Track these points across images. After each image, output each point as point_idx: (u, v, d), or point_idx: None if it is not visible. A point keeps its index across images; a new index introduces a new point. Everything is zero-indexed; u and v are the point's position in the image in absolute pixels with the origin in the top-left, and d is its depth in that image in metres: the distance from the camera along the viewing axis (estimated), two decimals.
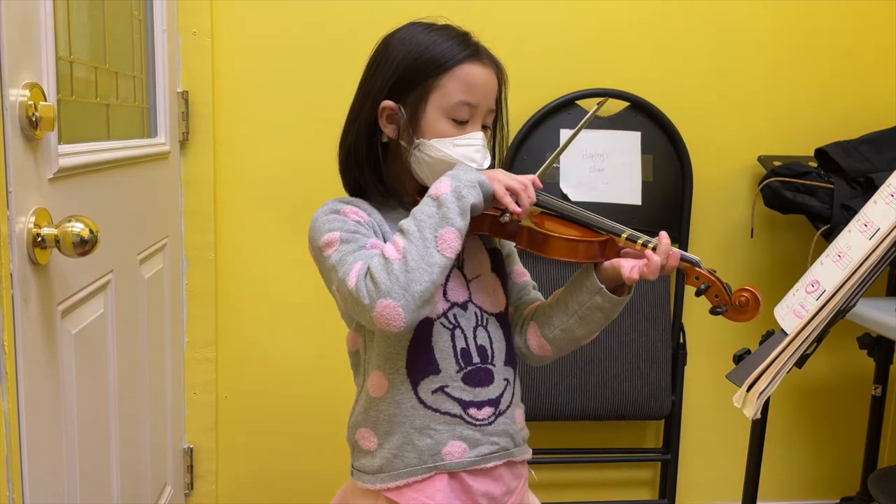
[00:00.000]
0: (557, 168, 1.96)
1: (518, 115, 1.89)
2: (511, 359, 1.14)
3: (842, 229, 1.13)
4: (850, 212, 1.80)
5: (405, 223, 0.98)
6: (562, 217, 1.11)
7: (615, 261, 1.05)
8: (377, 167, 1.10)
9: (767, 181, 1.93)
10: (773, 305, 1.16)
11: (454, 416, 1.08)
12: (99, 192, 1.29)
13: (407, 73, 1.07)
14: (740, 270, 2.14)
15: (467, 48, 1.07)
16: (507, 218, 1.03)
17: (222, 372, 2.00)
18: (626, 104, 1.99)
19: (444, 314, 1.08)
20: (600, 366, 2.00)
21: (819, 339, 1.10)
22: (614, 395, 2.01)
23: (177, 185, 1.88)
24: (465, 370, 1.08)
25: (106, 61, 1.47)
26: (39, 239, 0.99)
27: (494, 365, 1.11)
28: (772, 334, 1.15)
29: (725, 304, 1.05)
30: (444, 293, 1.09)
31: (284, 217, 1.96)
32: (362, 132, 1.10)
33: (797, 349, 1.07)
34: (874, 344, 2.00)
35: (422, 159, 1.07)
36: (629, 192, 1.99)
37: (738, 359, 1.18)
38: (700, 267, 1.06)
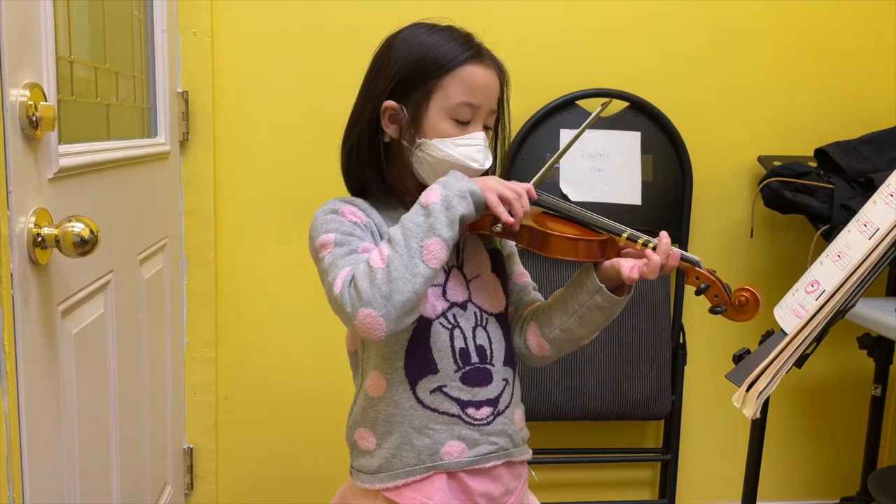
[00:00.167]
0: (557, 168, 1.96)
1: (518, 115, 1.89)
2: (510, 359, 1.14)
3: (841, 229, 1.13)
4: (850, 212, 1.80)
5: (393, 231, 0.98)
6: (562, 216, 1.12)
7: (615, 260, 1.06)
8: (379, 167, 1.10)
9: (767, 181, 1.93)
10: (773, 305, 1.16)
11: (452, 415, 1.08)
12: (99, 192, 1.29)
13: (409, 73, 1.07)
14: (740, 270, 2.14)
15: (469, 49, 1.08)
16: (499, 228, 1.02)
17: (222, 372, 2.00)
18: (626, 104, 1.99)
19: (444, 314, 1.08)
20: (600, 366, 2.00)
21: (819, 339, 1.10)
22: (614, 395, 2.01)
23: (177, 185, 1.88)
24: (463, 370, 1.08)
25: (106, 61, 1.47)
26: (39, 239, 0.99)
27: (493, 365, 1.11)
28: (771, 334, 1.15)
29: (725, 303, 1.05)
30: (444, 293, 1.09)
31: (284, 217, 1.96)
32: (364, 132, 1.10)
33: (797, 349, 1.08)
34: (874, 344, 2.00)
35: (423, 159, 1.08)
36: (629, 192, 1.99)
37: (737, 359, 1.18)
38: (700, 267, 1.06)
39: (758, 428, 1.46)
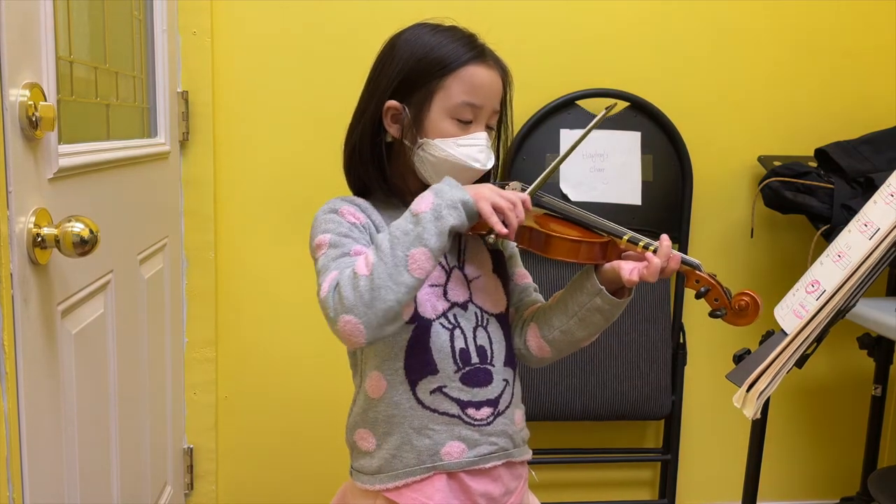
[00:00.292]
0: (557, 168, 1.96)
1: (518, 115, 1.88)
2: (511, 360, 1.14)
3: (842, 229, 1.13)
4: (850, 212, 1.80)
5: (380, 238, 0.98)
6: (564, 218, 1.12)
7: (615, 263, 1.06)
8: (381, 166, 1.11)
9: (767, 181, 1.93)
10: (773, 305, 1.16)
11: (452, 416, 1.08)
12: (99, 192, 1.29)
13: (412, 73, 1.07)
14: (740, 270, 2.14)
15: (472, 50, 1.08)
16: (491, 239, 1.01)
17: (222, 372, 2.00)
18: (626, 104, 1.99)
19: (444, 314, 1.08)
20: (600, 366, 2.00)
21: (819, 339, 1.10)
22: (614, 395, 2.01)
23: (177, 185, 1.88)
24: (463, 370, 1.08)
25: (106, 61, 1.47)
26: (39, 239, 0.99)
27: (494, 365, 1.11)
28: (772, 334, 1.15)
29: (725, 307, 1.05)
30: (445, 293, 1.09)
31: (284, 217, 1.96)
32: (367, 131, 1.10)
33: (797, 349, 1.07)
34: (874, 344, 2.00)
35: (425, 159, 1.08)
36: (629, 192, 1.99)
37: (737, 359, 1.18)
38: (701, 270, 1.06)
39: (758, 428, 1.46)
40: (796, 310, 1.10)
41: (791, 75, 2.08)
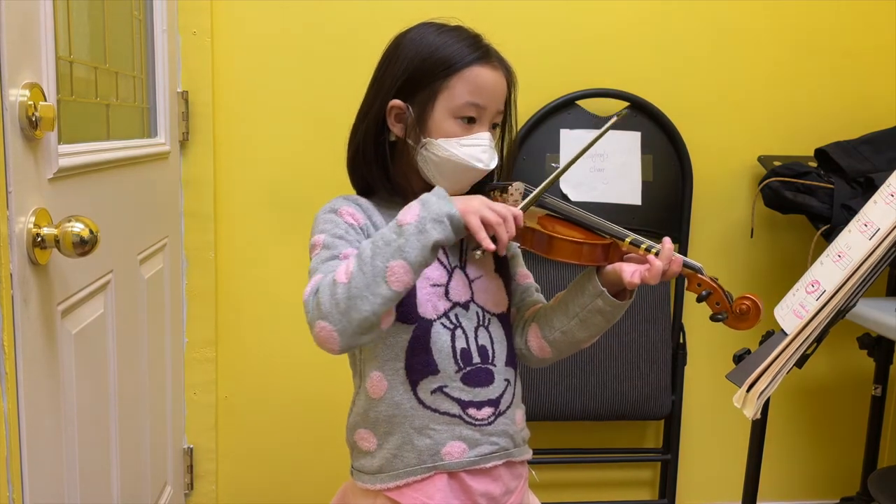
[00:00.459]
0: (558, 168, 1.96)
1: (518, 115, 1.89)
2: (512, 360, 1.14)
3: (842, 229, 1.13)
4: (850, 212, 1.80)
5: (364, 245, 0.97)
6: (566, 219, 1.11)
7: (617, 265, 1.05)
8: (384, 165, 1.11)
9: (767, 181, 1.93)
10: (773, 306, 1.16)
11: (453, 416, 1.08)
12: (99, 192, 1.29)
13: (416, 73, 1.07)
14: (740, 270, 2.14)
15: (477, 50, 1.08)
16: (478, 255, 0.98)
17: (222, 372, 2.00)
18: (626, 104, 1.99)
19: (446, 314, 1.08)
20: (600, 366, 2.00)
21: (819, 340, 1.10)
22: (614, 395, 2.01)
23: (177, 185, 1.88)
24: (464, 370, 1.08)
25: (106, 61, 1.47)
26: (39, 239, 0.99)
27: (495, 365, 1.11)
28: (772, 334, 1.15)
29: (726, 311, 1.05)
30: (447, 293, 1.09)
31: (284, 217, 1.96)
32: (371, 130, 1.10)
33: (797, 349, 1.07)
34: (874, 344, 2.00)
35: (429, 158, 1.08)
36: (629, 192, 1.99)
37: (738, 359, 1.18)
38: (702, 274, 1.06)
39: (758, 428, 1.46)
40: (796, 310, 1.10)
41: (791, 75, 2.08)
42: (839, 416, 2.24)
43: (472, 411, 1.08)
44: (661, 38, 2.02)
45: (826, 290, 1.07)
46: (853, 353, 2.09)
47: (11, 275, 0.95)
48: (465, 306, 1.10)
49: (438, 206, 0.96)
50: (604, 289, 1.06)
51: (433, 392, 1.07)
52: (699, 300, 1.05)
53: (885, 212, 1.05)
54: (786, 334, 1.09)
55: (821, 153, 1.97)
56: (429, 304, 1.07)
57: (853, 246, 1.07)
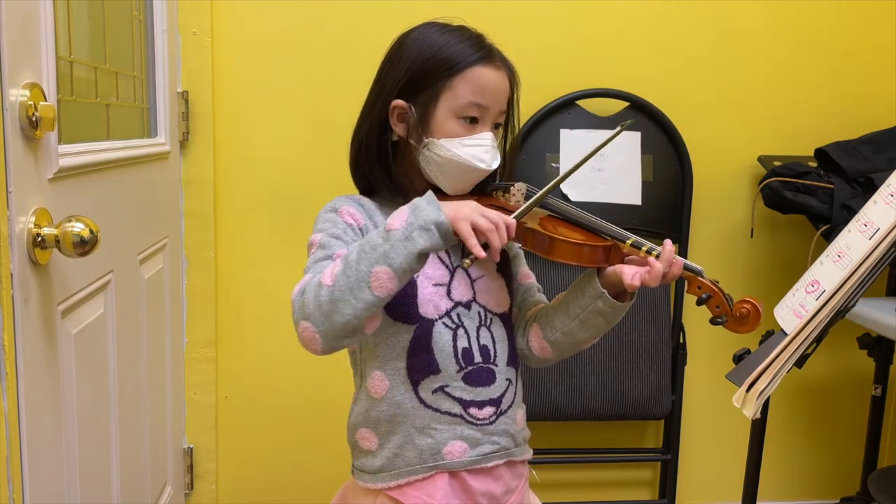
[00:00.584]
0: (557, 168, 1.96)
1: None
2: (513, 359, 1.14)
3: (842, 229, 1.13)
4: (850, 212, 1.80)
5: (352, 248, 0.97)
6: (568, 220, 1.11)
7: (618, 267, 1.05)
8: (387, 165, 1.11)
9: (767, 181, 1.93)
10: (773, 305, 1.16)
11: (454, 415, 1.08)
12: (99, 192, 1.29)
13: (419, 73, 1.07)
14: (740, 270, 2.14)
15: (480, 50, 1.08)
16: (467, 263, 0.95)
17: (222, 372, 2.00)
18: (626, 104, 1.99)
19: (448, 313, 1.08)
20: (600, 366, 2.00)
21: (819, 339, 1.10)
22: (614, 395, 2.01)
23: (177, 185, 1.88)
24: (465, 370, 1.08)
25: (106, 61, 1.47)
26: (39, 239, 0.99)
27: (497, 365, 1.11)
28: (772, 334, 1.15)
29: (726, 314, 1.05)
30: (449, 292, 1.09)
31: (284, 217, 1.96)
32: (373, 130, 1.11)
33: (797, 349, 1.07)
34: (874, 344, 2.00)
35: (431, 158, 1.08)
36: (629, 192, 1.99)
37: (737, 359, 1.18)
38: (703, 276, 1.06)
39: (758, 428, 1.46)
40: (796, 310, 1.10)
41: (791, 75, 2.08)
42: (839, 416, 2.24)
43: (473, 411, 1.08)
44: (661, 38, 2.02)
45: (826, 289, 1.07)
46: (853, 353, 2.08)
47: (12, 275, 0.95)
48: (468, 306, 1.10)
49: (427, 212, 0.94)
50: (604, 290, 1.06)
51: (434, 392, 1.07)
52: (699, 303, 1.05)
53: (885, 212, 1.05)
54: (786, 334, 1.09)
55: (821, 153, 1.97)
56: (430, 303, 1.07)
57: (853, 246, 1.07)
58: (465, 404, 1.08)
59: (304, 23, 1.91)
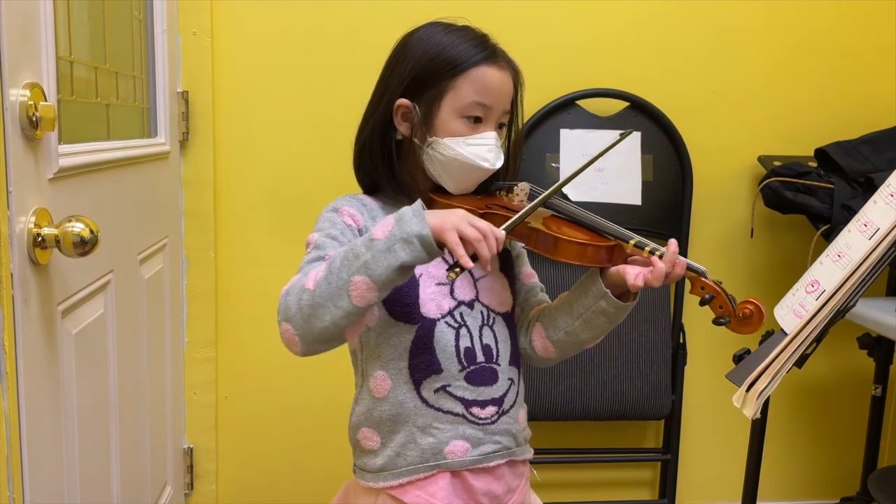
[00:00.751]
0: (557, 168, 1.96)
1: None
2: (516, 359, 1.14)
3: (842, 229, 1.13)
4: (850, 212, 1.80)
5: (336, 253, 0.97)
6: (571, 220, 1.12)
7: (621, 267, 1.05)
8: (390, 164, 1.11)
9: (767, 181, 1.93)
10: (773, 305, 1.16)
11: (457, 415, 1.08)
12: (99, 192, 1.29)
13: (423, 72, 1.07)
14: (740, 270, 2.14)
15: (484, 50, 1.08)
16: (453, 275, 0.92)
17: (222, 372, 2.00)
18: (626, 104, 1.99)
19: (450, 312, 1.08)
20: (600, 366, 2.00)
21: (819, 339, 1.10)
22: (614, 395, 2.01)
23: (177, 185, 1.88)
24: (468, 369, 1.08)
25: (106, 61, 1.47)
26: (39, 239, 0.99)
27: (499, 364, 1.11)
28: (772, 334, 1.15)
29: (729, 315, 1.05)
30: (452, 291, 1.09)
31: (284, 217, 1.96)
32: (377, 129, 1.11)
33: (797, 349, 1.07)
34: (874, 344, 2.00)
35: (434, 157, 1.08)
36: (629, 192, 1.99)
37: (737, 359, 1.18)
38: (706, 277, 1.06)
39: (758, 428, 1.46)
40: (796, 310, 1.10)
41: (791, 75, 2.08)
42: (839, 416, 2.24)
43: (475, 410, 1.09)
44: (661, 38, 2.02)
45: (826, 289, 1.07)
46: (853, 353, 2.08)
47: (12, 275, 0.95)
48: (470, 305, 1.10)
49: (410, 224, 0.92)
50: (607, 290, 1.06)
51: (436, 391, 1.07)
52: (702, 303, 1.05)
53: (885, 212, 1.05)
54: (786, 334, 1.09)
55: (821, 153, 1.97)
56: (433, 302, 1.07)
57: (853, 246, 1.07)
58: (468, 404, 1.08)
59: (304, 23, 1.91)
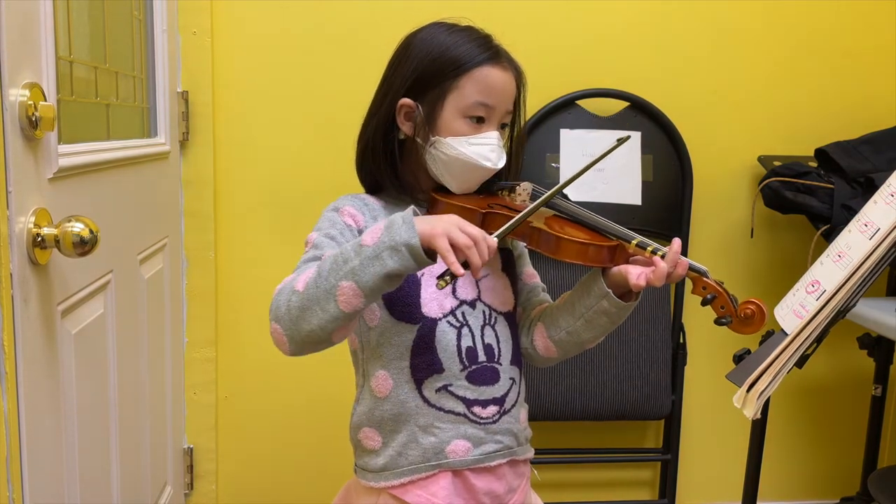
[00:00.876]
0: (557, 168, 1.96)
1: None
2: (517, 359, 1.15)
3: (842, 229, 1.13)
4: (850, 212, 1.80)
5: (327, 256, 0.97)
6: (573, 220, 1.12)
7: (623, 267, 1.05)
8: (393, 163, 1.11)
9: (767, 181, 1.93)
10: (774, 305, 1.16)
11: (458, 414, 1.08)
12: (99, 192, 1.29)
13: (426, 72, 1.07)
14: (740, 270, 2.14)
15: (487, 50, 1.08)
16: (443, 283, 0.90)
17: (222, 372, 2.00)
18: (626, 104, 1.99)
19: (452, 312, 1.09)
20: (601, 366, 2.00)
21: (819, 339, 1.10)
22: (615, 395, 2.01)
23: (177, 185, 1.88)
24: (469, 369, 1.08)
25: (106, 61, 1.47)
26: (39, 239, 0.99)
27: (501, 364, 1.11)
28: (772, 334, 1.15)
29: (731, 315, 1.05)
30: (454, 290, 1.09)
31: (284, 217, 1.96)
32: (380, 128, 1.11)
33: (797, 349, 1.07)
34: (874, 344, 2.00)
35: (437, 157, 1.08)
36: (629, 192, 1.99)
37: (738, 359, 1.18)
38: (708, 277, 1.06)
39: (758, 428, 1.46)
40: (796, 310, 1.10)
41: (791, 75, 2.08)
42: (839, 416, 2.24)
43: (477, 409, 1.09)
44: (661, 38, 2.02)
45: (826, 290, 1.07)
46: (853, 353, 2.08)
47: (11, 275, 0.95)
48: (472, 304, 1.10)
49: (399, 232, 0.91)
50: (609, 290, 1.06)
51: (438, 391, 1.07)
52: (704, 303, 1.05)
53: (885, 212, 1.05)
54: (786, 334, 1.09)
55: (821, 153, 1.97)
56: (435, 301, 1.08)
57: (853, 246, 1.07)
58: (469, 403, 1.08)
59: (304, 23, 1.91)
